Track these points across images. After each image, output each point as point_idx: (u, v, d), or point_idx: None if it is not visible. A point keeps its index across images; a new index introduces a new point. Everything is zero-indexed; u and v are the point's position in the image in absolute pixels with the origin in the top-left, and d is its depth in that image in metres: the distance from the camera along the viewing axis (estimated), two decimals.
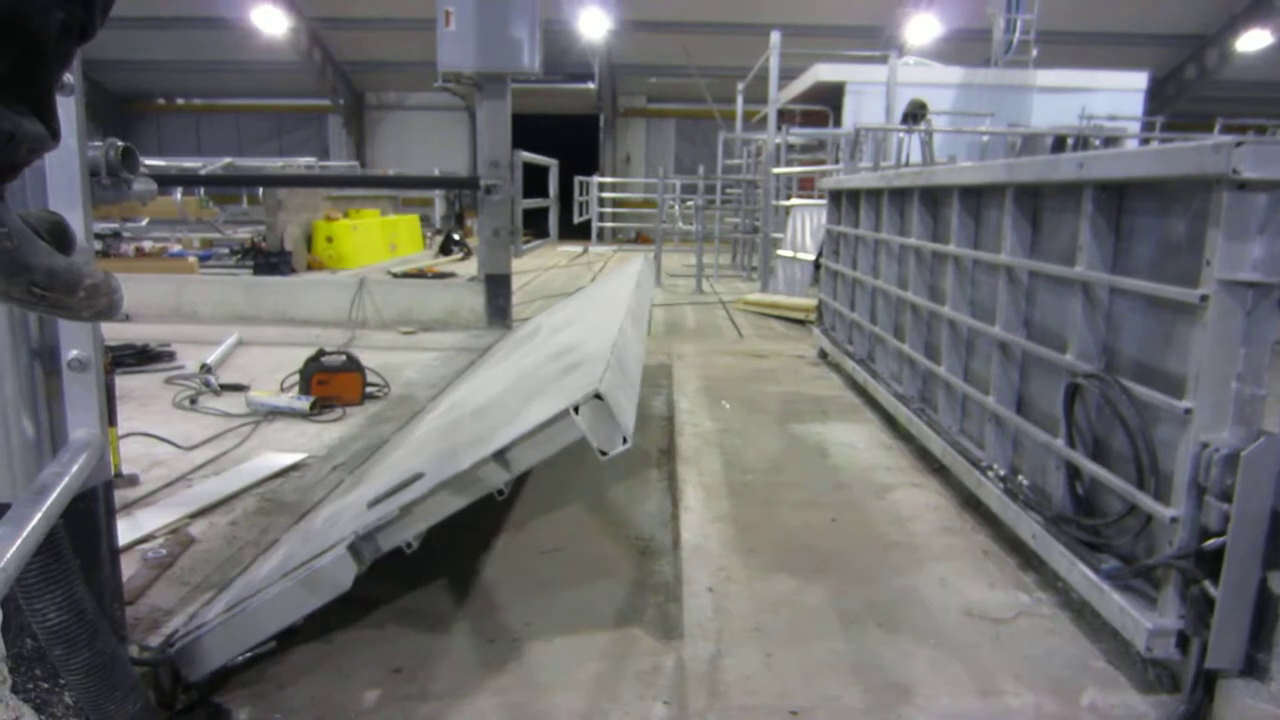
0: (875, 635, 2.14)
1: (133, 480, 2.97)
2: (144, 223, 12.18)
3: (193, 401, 4.13)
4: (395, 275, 8.46)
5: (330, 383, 4.07)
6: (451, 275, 8.65)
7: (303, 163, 15.89)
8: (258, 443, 3.51)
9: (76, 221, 1.42)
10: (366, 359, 4.39)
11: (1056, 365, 2.46)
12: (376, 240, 10.54)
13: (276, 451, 3.36)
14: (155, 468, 3.17)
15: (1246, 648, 1.73)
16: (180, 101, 21.67)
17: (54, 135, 0.65)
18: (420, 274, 8.81)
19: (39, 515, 1.19)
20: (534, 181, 7.23)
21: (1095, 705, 1.87)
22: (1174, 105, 17.87)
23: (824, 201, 6.34)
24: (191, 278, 7.50)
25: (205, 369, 4.61)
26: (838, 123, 12.93)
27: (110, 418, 2.43)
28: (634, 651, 2.06)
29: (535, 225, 8.26)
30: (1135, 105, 13.00)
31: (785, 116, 11.29)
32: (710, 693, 1.88)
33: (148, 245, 9.71)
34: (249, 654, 1.82)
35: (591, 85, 18.82)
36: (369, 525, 1.80)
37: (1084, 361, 2.31)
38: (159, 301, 6.52)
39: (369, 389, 4.23)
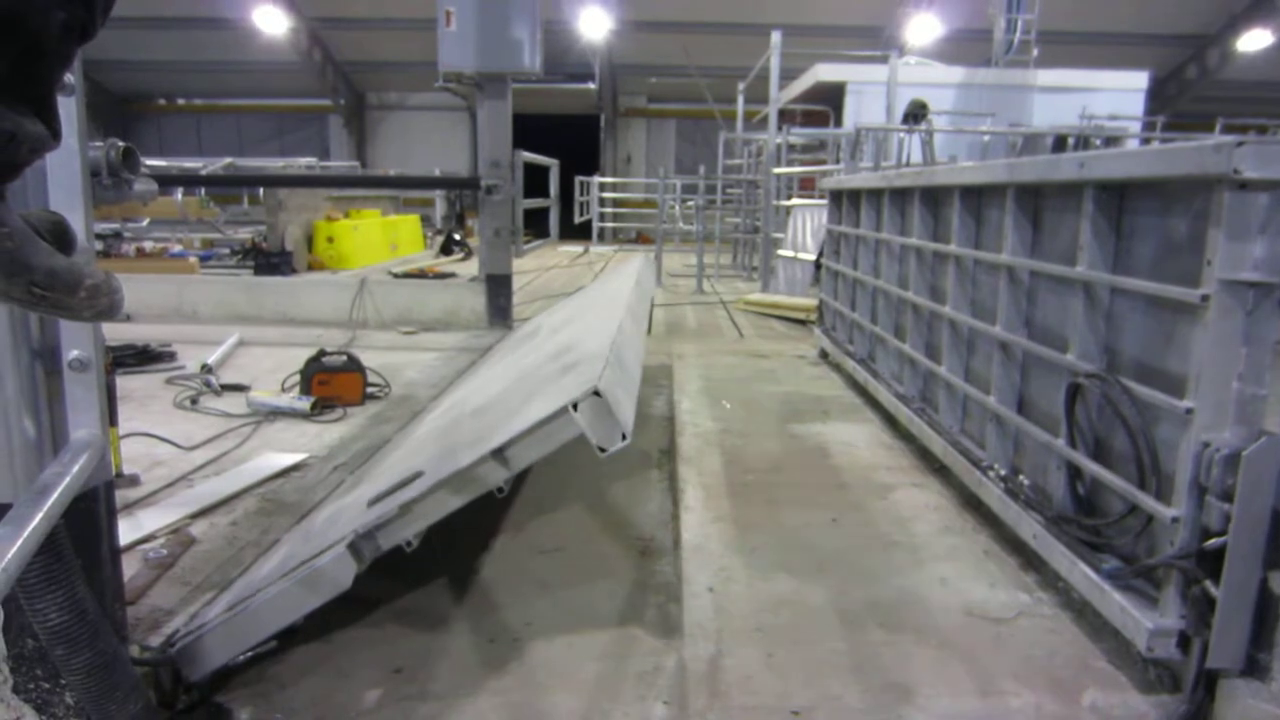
0: (876, 635, 2.14)
1: (134, 480, 2.97)
2: (145, 223, 12.19)
3: (193, 402, 4.13)
4: (396, 275, 8.47)
5: (331, 383, 4.07)
6: (452, 275, 8.65)
7: (303, 163, 15.90)
8: (258, 443, 3.51)
9: (77, 221, 1.42)
10: (367, 359, 4.40)
11: (1057, 365, 2.46)
12: (377, 240, 10.55)
13: (277, 452, 3.36)
14: (156, 468, 3.17)
15: (1247, 648, 1.73)
16: (181, 102, 21.68)
17: (55, 135, 0.65)
18: (421, 274, 8.81)
19: (40, 515, 1.19)
20: (535, 181, 7.23)
21: (1096, 705, 1.86)
22: (1175, 105, 17.86)
23: (825, 201, 6.34)
24: (192, 278, 7.50)
25: (206, 369, 4.61)
26: (838, 123, 12.94)
27: (111, 418, 2.44)
28: (635, 651, 2.06)
29: (536, 225, 8.27)
30: (1136, 105, 13.01)
31: (786, 116, 11.29)
32: (711, 693, 1.88)
33: (148, 245, 9.71)
34: (250, 653, 1.82)
35: (592, 85, 18.82)
36: (369, 524, 1.80)
37: (1085, 361, 2.30)
38: (160, 302, 6.52)
39: (370, 389, 4.23)
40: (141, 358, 4.91)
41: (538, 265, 12.09)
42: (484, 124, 6.24)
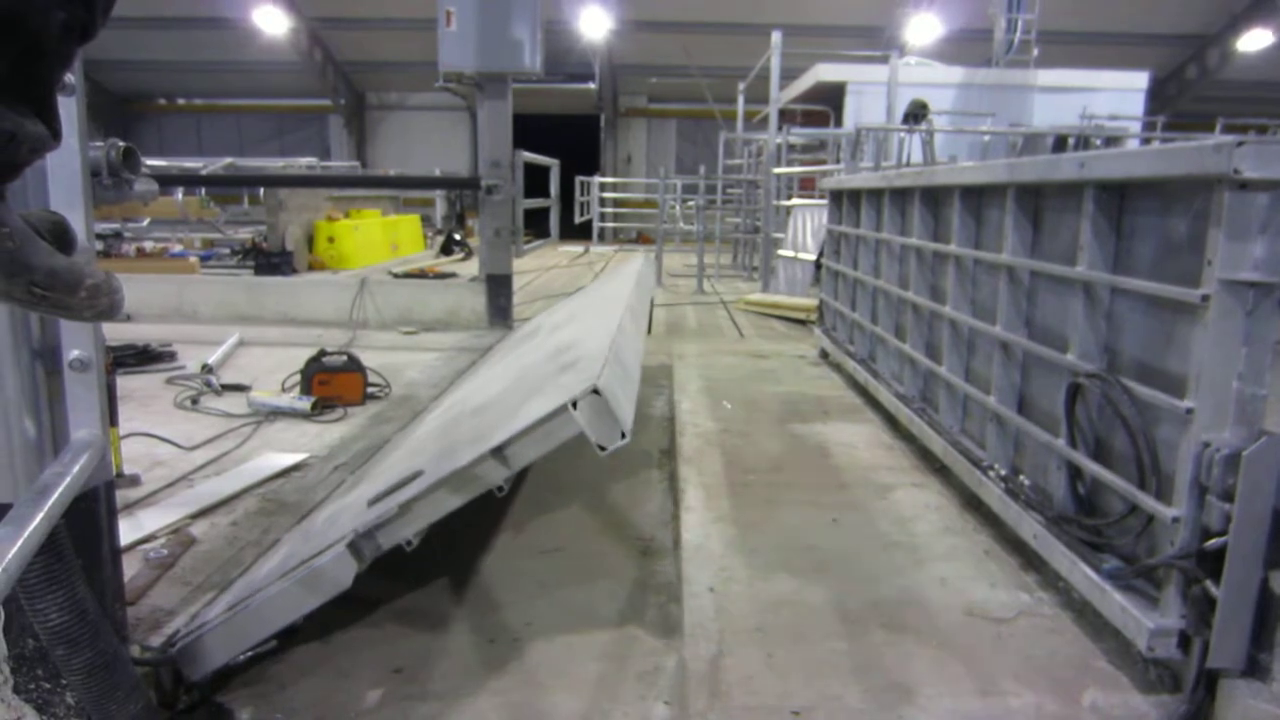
0: (877, 635, 2.13)
1: (134, 480, 2.97)
2: (145, 223, 12.19)
3: (194, 402, 4.13)
4: (396, 275, 8.47)
5: (331, 383, 4.07)
6: (453, 275, 8.65)
7: (304, 163, 15.90)
8: (259, 443, 3.51)
9: (78, 221, 1.43)
10: (368, 359, 4.40)
11: (1058, 365, 2.46)
12: (378, 240, 10.55)
13: (278, 452, 3.36)
14: (157, 468, 3.17)
15: (1248, 648, 1.73)
16: (181, 102, 21.69)
17: (55, 135, 0.65)
18: (421, 274, 8.81)
19: (41, 515, 1.19)
20: (535, 181, 7.23)
21: (1096, 705, 1.86)
22: (1175, 105, 17.87)
23: (825, 201, 6.34)
24: (193, 278, 7.50)
25: (206, 369, 4.61)
26: (839, 123, 12.94)
27: (112, 418, 2.44)
28: (635, 651, 2.06)
29: (536, 225, 8.27)
30: (1136, 105, 13.01)
31: (786, 116, 11.29)
32: (711, 693, 1.88)
33: (149, 245, 9.71)
34: (250, 653, 1.82)
35: (592, 85, 18.82)
36: (369, 523, 1.80)
37: (1085, 361, 2.30)
38: (160, 302, 6.52)
39: (370, 389, 4.23)
40: (142, 358, 4.91)
41: (538, 265, 12.10)
42: (484, 124, 6.24)
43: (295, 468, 3.19)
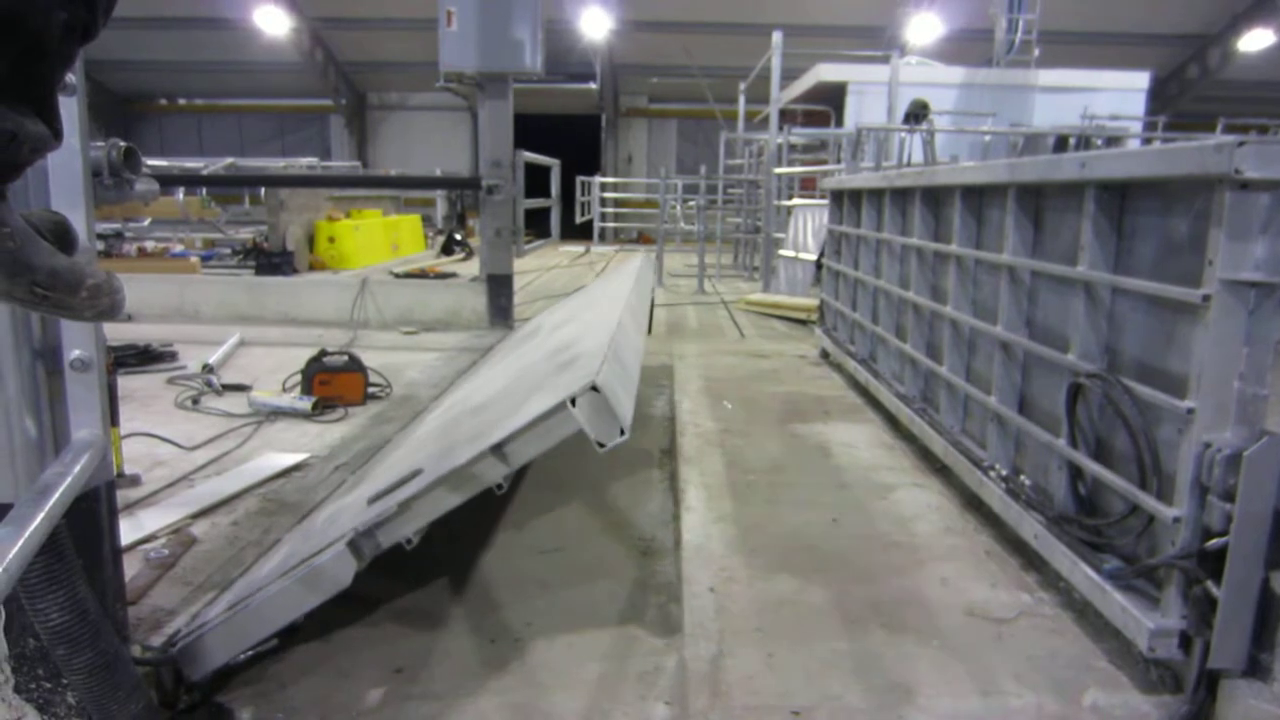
0: (877, 635, 2.13)
1: (135, 480, 2.97)
2: (146, 223, 12.21)
3: (195, 402, 4.13)
4: (397, 275, 8.47)
5: (332, 383, 4.07)
6: (453, 275, 8.66)
7: (305, 163, 15.93)
8: (260, 443, 3.51)
9: (79, 221, 1.43)
10: (368, 359, 4.40)
11: (1059, 365, 2.45)
12: (378, 240, 10.55)
13: (278, 452, 3.36)
14: (157, 468, 3.17)
15: (1249, 648, 1.73)
16: (182, 102, 21.70)
17: (56, 135, 0.65)
18: (422, 274, 8.82)
19: (41, 515, 1.19)
20: (536, 181, 7.23)
21: (1097, 705, 1.86)
22: (1176, 105, 17.86)
23: (826, 201, 6.34)
24: (194, 278, 7.50)
25: (207, 369, 4.61)
26: (839, 123, 12.94)
27: (112, 418, 2.44)
28: (635, 651, 2.06)
29: (537, 225, 8.28)
30: (1137, 105, 13.00)
31: (787, 116, 11.29)
32: (712, 693, 1.88)
33: (150, 245, 9.73)
34: (251, 652, 1.82)
35: (593, 85, 18.82)
36: (368, 522, 1.80)
37: (1086, 361, 2.30)
38: (161, 302, 6.52)
39: (371, 389, 4.23)
40: (143, 358, 4.92)
41: (539, 265, 12.10)
42: (485, 124, 6.24)
43: (296, 468, 3.20)
